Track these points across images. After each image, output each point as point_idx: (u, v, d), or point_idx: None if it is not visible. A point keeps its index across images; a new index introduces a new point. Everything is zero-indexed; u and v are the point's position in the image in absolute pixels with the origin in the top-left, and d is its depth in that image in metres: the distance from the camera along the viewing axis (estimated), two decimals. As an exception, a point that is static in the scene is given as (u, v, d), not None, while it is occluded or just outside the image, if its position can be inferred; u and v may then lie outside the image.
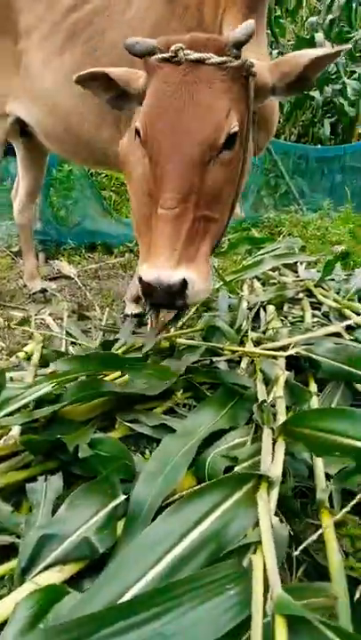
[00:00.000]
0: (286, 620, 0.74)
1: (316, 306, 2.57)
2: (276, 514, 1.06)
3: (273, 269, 3.50)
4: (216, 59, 1.33)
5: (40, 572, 0.99)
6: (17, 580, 0.98)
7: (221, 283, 3.02)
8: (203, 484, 1.08)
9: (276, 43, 7.67)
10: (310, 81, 1.46)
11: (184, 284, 1.27)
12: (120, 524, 1.10)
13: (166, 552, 0.92)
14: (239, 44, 1.33)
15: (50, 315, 2.68)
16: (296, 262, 3.56)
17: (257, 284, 3.20)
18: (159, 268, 1.25)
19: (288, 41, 8.03)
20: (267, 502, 0.99)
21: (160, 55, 1.36)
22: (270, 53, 7.73)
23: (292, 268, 3.58)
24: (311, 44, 7.42)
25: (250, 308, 2.53)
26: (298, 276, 3.31)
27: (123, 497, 1.11)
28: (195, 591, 0.83)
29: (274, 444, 1.23)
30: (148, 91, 1.42)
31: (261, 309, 2.54)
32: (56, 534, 1.03)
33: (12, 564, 1.04)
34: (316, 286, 2.78)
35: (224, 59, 1.34)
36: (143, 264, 1.32)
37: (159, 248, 1.28)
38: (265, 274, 3.42)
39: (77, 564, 1.01)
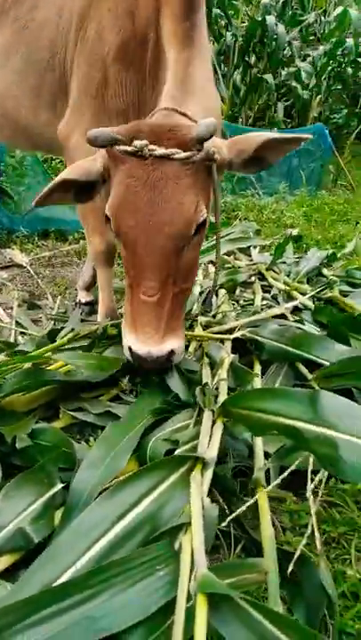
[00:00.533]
0: (209, 598, 0.75)
1: (266, 289, 2.60)
2: (212, 494, 1.08)
3: (228, 254, 3.53)
4: (181, 154, 1.34)
5: (-26, 565, 0.97)
6: None
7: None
8: (140, 468, 1.08)
9: (229, 25, 7.61)
10: (266, 161, 1.51)
11: (171, 352, 1.44)
12: (58, 514, 1.09)
13: (101, 536, 0.93)
14: (202, 140, 1.34)
15: (0, 304, 2.62)
16: (250, 246, 3.60)
17: (212, 269, 3.21)
18: (148, 344, 1.41)
19: (242, 23, 7.98)
20: (199, 484, 1.00)
21: (123, 148, 1.35)
22: (223, 37, 7.68)
23: (247, 252, 3.61)
24: (263, 26, 7.41)
25: (201, 293, 2.53)
26: (251, 260, 3.34)
27: (60, 485, 1.10)
28: (126, 573, 0.84)
29: (213, 425, 1.24)
30: (115, 181, 1.42)
31: (214, 294, 2.55)
32: (-9, 526, 1.01)
33: None
34: (267, 269, 2.81)
35: (189, 154, 1.34)
36: (131, 335, 1.45)
37: (145, 327, 1.42)
38: (220, 258, 3.44)
39: (12, 555, 1.00)
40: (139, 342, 1.42)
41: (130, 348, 1.45)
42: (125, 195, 1.38)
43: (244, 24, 7.87)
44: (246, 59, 7.81)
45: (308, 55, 8.22)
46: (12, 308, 2.60)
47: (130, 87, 1.93)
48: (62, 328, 2.06)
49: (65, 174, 1.54)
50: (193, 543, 0.84)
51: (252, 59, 7.89)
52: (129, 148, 1.35)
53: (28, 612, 0.78)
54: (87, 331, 1.82)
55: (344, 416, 1.04)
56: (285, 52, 8.01)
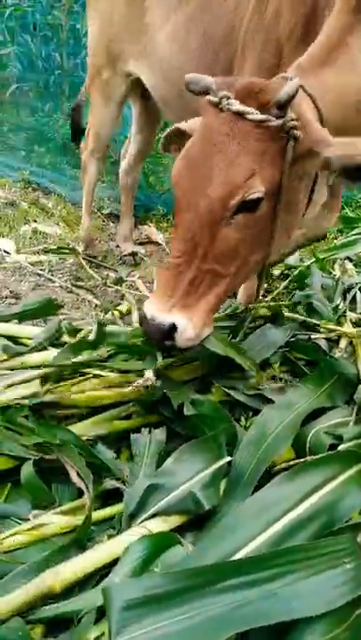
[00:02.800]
0: None
1: None
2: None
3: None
4: (256, 116, 1.23)
5: (146, 519, 1.02)
6: (125, 523, 1.02)
7: (313, 260, 2.92)
8: (314, 458, 1.06)
9: None
10: None
11: (173, 327, 1.30)
12: (222, 485, 1.11)
13: (278, 518, 0.93)
14: (281, 105, 1.22)
15: (139, 278, 2.72)
16: (391, 246, 3.38)
17: (349, 266, 3.07)
18: (155, 307, 1.32)
19: None
20: (386, 484, 0.96)
21: (210, 98, 1.29)
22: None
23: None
24: None
25: (345, 290, 2.43)
26: None
27: (228, 458, 1.12)
28: (309, 560, 0.83)
29: (383, 426, 1.18)
30: (195, 131, 1.37)
31: (358, 291, 2.44)
32: (163, 485, 1.06)
33: (118, 507, 1.08)
34: None
35: (264, 117, 1.23)
36: (151, 295, 1.40)
37: (160, 289, 1.35)
38: (357, 256, 3.28)
39: (181, 516, 1.04)
40: (150, 302, 1.35)
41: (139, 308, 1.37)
42: (193, 144, 1.32)
43: None
44: None
45: None
46: (150, 282, 2.69)
47: None
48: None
49: (179, 124, 1.51)
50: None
51: None
52: (213, 99, 1.28)
53: (214, 578, 0.80)
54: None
55: None
56: None
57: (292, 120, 1.25)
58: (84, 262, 2.78)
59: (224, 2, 2.08)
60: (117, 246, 3.16)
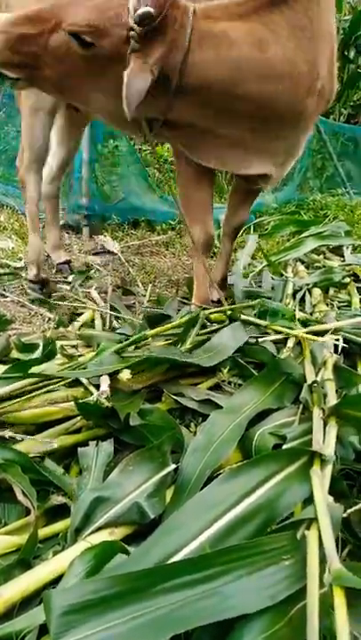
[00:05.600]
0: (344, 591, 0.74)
1: (362, 291, 2.51)
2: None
3: (318, 253, 3.45)
4: None
5: (92, 532, 1.02)
6: (70, 538, 1.02)
7: (265, 263, 2.99)
8: (256, 457, 1.09)
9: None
10: None
11: None
12: (168, 494, 1.12)
13: (218, 517, 0.94)
14: None
15: (95, 289, 2.72)
16: (342, 247, 3.49)
17: (301, 267, 3.14)
18: None
19: (345, 15, 7.66)
20: (321, 478, 0.99)
21: None
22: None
23: (338, 252, 3.51)
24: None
25: (295, 291, 2.49)
26: (344, 261, 3.24)
27: (173, 466, 1.13)
28: (250, 558, 0.85)
29: (325, 424, 1.22)
30: None
31: (307, 292, 2.50)
32: (108, 497, 1.06)
33: (66, 523, 1.08)
34: (364, 271, 2.72)
35: None
36: None
37: None
38: (309, 257, 3.37)
39: (128, 527, 1.04)
40: None
41: None
42: None
43: (348, 17, 7.57)
44: (346, 53, 7.51)
45: None
46: (106, 293, 2.69)
47: None
48: (161, 315, 2.10)
49: None
50: (322, 537, 0.83)
51: (352, 53, 7.57)
52: None
53: (155, 580, 0.80)
54: (187, 318, 1.85)
55: None
56: (385, 46, 7.61)
57: None
58: (27, 288, 2.66)
59: None
60: (48, 256, 3.11)
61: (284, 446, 1.23)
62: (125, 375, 1.35)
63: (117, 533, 1.03)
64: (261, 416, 1.42)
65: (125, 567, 0.88)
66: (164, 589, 0.80)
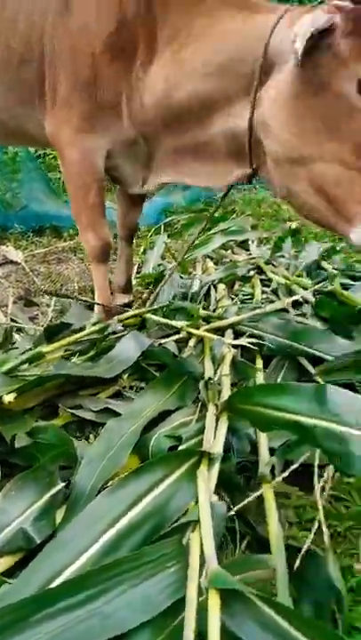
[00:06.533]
0: (221, 594, 0.73)
1: (266, 283, 2.58)
2: (218, 490, 1.06)
3: (226, 248, 3.51)
4: None
5: (-25, 565, 0.95)
6: None
7: (174, 263, 2.99)
8: (146, 462, 1.07)
9: None
10: None
11: None
12: (60, 513, 1.07)
13: (105, 530, 0.91)
14: None
15: (-5, 302, 2.59)
16: (248, 241, 3.58)
17: (210, 264, 3.19)
18: None
19: None
20: (206, 479, 0.98)
21: None
22: None
23: (245, 247, 3.59)
24: None
25: (201, 288, 2.52)
26: (250, 254, 3.32)
27: (61, 484, 1.08)
28: (135, 570, 0.82)
29: (217, 420, 1.23)
30: None
31: (212, 288, 2.53)
32: (-8, 526, 0.99)
33: None
34: (266, 263, 2.80)
35: None
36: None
37: None
38: (218, 253, 3.42)
39: (14, 556, 0.98)
40: None
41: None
42: None
43: None
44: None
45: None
46: (6, 306, 2.57)
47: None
48: (60, 324, 2.03)
49: None
50: (202, 539, 0.82)
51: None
52: None
53: (35, 608, 0.76)
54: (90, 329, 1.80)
55: (350, 410, 1.02)
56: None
57: None
58: None
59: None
60: None
61: (180, 448, 1.22)
62: (8, 398, 1.27)
63: (2, 564, 0.96)
64: (163, 418, 1.41)
65: (5, 598, 0.82)
66: (47, 616, 0.76)
